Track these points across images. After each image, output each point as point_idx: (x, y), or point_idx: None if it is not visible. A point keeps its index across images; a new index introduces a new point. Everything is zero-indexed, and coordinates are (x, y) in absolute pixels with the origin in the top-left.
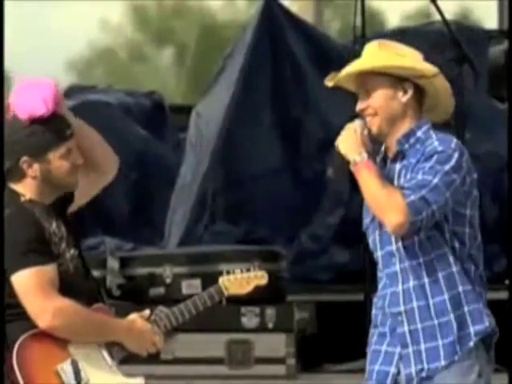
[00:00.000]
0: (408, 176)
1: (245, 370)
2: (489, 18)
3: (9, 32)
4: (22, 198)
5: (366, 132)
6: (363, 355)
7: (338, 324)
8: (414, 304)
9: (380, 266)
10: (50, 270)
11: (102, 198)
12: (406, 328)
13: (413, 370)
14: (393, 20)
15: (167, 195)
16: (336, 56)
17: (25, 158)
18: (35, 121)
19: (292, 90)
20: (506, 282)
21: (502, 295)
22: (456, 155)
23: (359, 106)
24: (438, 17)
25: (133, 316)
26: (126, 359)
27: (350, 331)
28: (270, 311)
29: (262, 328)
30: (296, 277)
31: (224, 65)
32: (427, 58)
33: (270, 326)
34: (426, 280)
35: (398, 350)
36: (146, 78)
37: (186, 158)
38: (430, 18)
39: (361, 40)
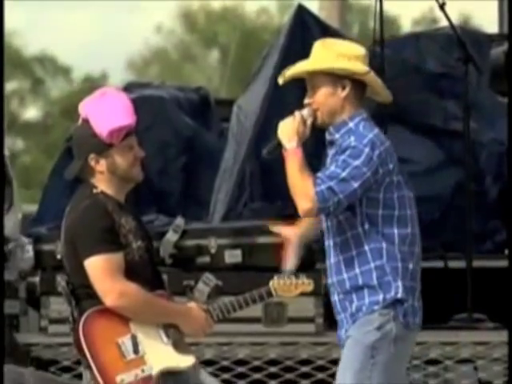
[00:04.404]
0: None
1: (279, 328)
2: (490, 23)
3: (79, 36)
4: (94, 190)
5: (310, 121)
6: None
7: None
8: (334, 278)
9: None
10: (117, 257)
11: (156, 180)
12: (336, 297)
13: (342, 332)
14: (405, 24)
15: (212, 177)
16: None
17: (92, 156)
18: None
19: None
20: (506, 251)
21: (503, 263)
22: (367, 150)
23: (306, 101)
24: (444, 22)
25: (191, 304)
26: None
27: None
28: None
29: None
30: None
31: (261, 64)
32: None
33: None
34: (341, 257)
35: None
36: (195, 75)
37: (228, 145)
38: (435, 22)
39: (379, 42)
